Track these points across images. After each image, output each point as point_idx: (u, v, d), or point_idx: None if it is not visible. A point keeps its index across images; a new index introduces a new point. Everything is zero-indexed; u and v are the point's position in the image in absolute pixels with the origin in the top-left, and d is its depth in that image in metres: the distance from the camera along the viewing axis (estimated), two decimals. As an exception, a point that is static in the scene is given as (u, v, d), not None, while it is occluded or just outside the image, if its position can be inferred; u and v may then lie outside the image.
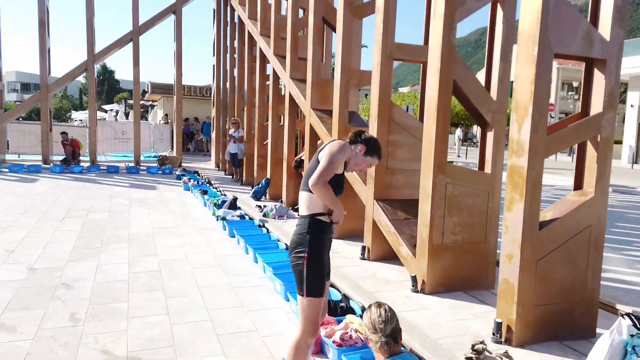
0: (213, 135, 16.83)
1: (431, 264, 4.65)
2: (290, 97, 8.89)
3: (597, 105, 3.84)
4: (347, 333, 3.27)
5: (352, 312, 3.93)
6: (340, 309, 3.88)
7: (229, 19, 14.64)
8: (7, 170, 13.17)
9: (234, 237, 6.47)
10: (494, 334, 3.68)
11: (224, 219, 7.22)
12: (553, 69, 40.05)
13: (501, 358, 3.29)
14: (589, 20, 3.84)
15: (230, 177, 13.24)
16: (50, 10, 15.24)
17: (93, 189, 10.69)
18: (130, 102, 24.64)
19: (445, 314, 4.15)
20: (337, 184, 2.71)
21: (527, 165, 3.53)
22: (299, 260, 2.62)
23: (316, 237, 2.63)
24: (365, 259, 5.72)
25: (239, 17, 13.18)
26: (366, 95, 37.30)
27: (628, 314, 3.23)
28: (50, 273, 4.86)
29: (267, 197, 9.70)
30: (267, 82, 10.92)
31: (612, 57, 3.73)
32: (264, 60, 11.05)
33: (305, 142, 8.04)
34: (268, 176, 9.83)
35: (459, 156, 27.12)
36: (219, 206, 8.17)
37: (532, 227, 3.60)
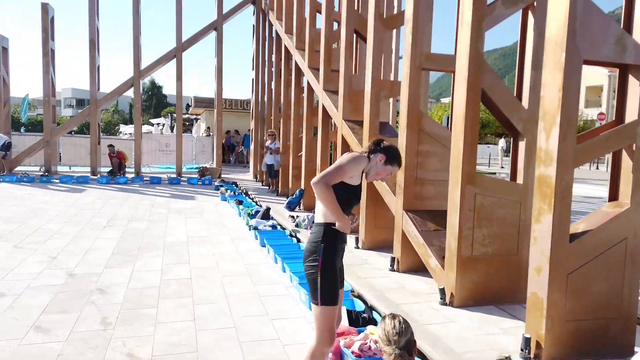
0: (252, 147, 17.16)
1: (460, 276, 4.55)
2: (324, 108, 8.97)
3: (632, 112, 3.68)
4: (366, 344, 3.25)
5: (374, 323, 3.89)
6: (362, 319, 3.85)
7: (267, 34, 14.98)
8: (58, 181, 13.87)
9: (265, 246, 6.55)
10: (522, 350, 3.55)
11: (256, 228, 7.34)
12: (604, 76, 38.66)
13: (527, 374, 3.18)
14: (622, 26, 3.70)
15: (267, 187, 13.43)
16: (100, 30, 16.06)
17: (136, 199, 11.09)
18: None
19: (473, 327, 4.04)
20: (353, 195, 2.72)
21: (556, 175, 3.42)
22: (312, 269, 2.64)
23: (330, 245, 2.64)
24: (394, 271, 5.66)
25: (277, 32, 13.46)
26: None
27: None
28: (88, 278, 5.08)
29: (301, 208, 9.77)
30: (302, 95, 11.06)
31: (647, 62, 3.58)
32: (299, 73, 11.22)
33: (337, 153, 8.07)
34: (302, 187, 9.92)
35: (502, 167, 26.39)
36: (252, 216, 8.30)
37: (562, 240, 3.47)
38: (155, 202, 10.72)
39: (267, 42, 14.97)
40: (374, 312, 4.14)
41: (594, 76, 38.22)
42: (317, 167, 9.08)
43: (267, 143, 12.46)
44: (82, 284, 4.91)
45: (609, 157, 20.15)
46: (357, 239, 6.79)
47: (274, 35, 14.03)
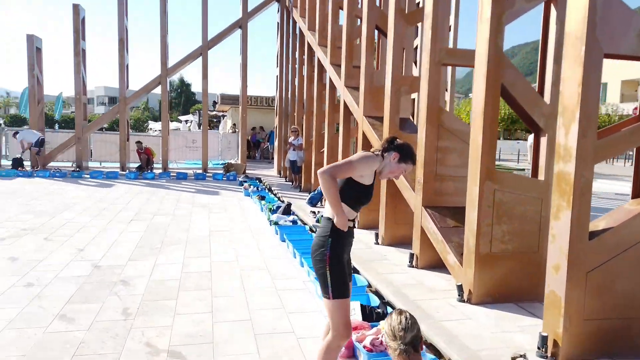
0: (276, 143, 17.29)
1: (478, 273, 4.51)
2: (345, 105, 8.97)
3: (656, 106, 3.57)
4: (377, 338, 3.26)
5: (389, 318, 3.89)
6: (376, 314, 3.86)
7: (291, 31, 15.05)
8: (88, 176, 14.29)
9: (285, 241, 6.61)
10: (539, 348, 3.50)
11: (276, 223, 7.42)
12: (641, 71, 37.26)
13: (541, 373, 3.14)
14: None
15: (290, 183, 13.52)
16: (129, 29, 16.42)
17: (162, 194, 11.34)
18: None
19: (490, 325, 4.00)
20: (363, 195, 2.73)
21: (575, 171, 3.35)
22: (321, 263, 2.66)
23: (338, 240, 2.66)
24: (413, 267, 5.63)
25: (300, 29, 13.51)
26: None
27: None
28: (112, 270, 5.24)
29: (322, 204, 9.80)
30: (324, 91, 11.08)
31: (672, 55, 3.46)
32: (322, 69, 11.24)
33: (358, 150, 8.07)
34: (324, 183, 9.93)
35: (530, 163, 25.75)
36: (273, 211, 8.39)
37: (581, 237, 3.40)
38: (181, 197, 10.93)
39: (291, 39, 15.05)
40: (388, 307, 4.14)
41: (630, 70, 36.87)
42: (338, 164, 9.08)
43: (290, 139, 12.54)
44: (106, 275, 5.07)
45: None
46: (376, 235, 6.78)
47: (297, 32, 14.10)
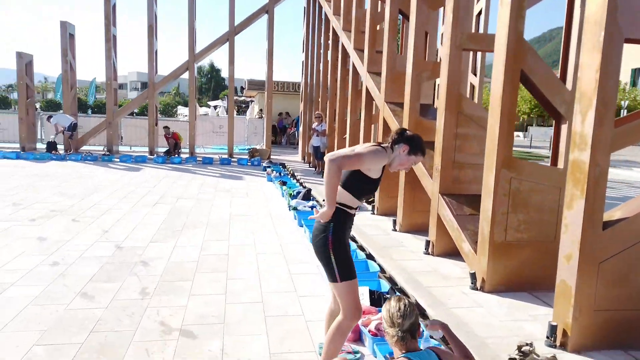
0: (300, 128, 17.33)
1: (492, 261, 4.47)
2: (367, 90, 8.91)
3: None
4: (382, 323, 3.29)
5: (398, 304, 3.91)
6: (384, 300, 3.89)
7: (317, 15, 14.98)
8: (118, 160, 14.70)
9: (302, 226, 6.68)
10: (547, 337, 3.48)
11: (295, 209, 7.49)
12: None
13: (547, 362, 3.12)
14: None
15: (314, 169, 13.58)
16: (158, 15, 16.63)
17: (187, 178, 11.57)
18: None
19: (501, 313, 3.99)
20: (368, 187, 2.74)
21: (590, 160, 3.27)
22: (323, 248, 2.70)
23: (340, 224, 2.69)
24: (429, 254, 5.62)
25: (325, 14, 13.43)
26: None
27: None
28: (133, 251, 5.43)
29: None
30: (348, 77, 11.03)
31: (697, 39, 3.32)
32: (346, 54, 11.17)
33: (378, 136, 8.03)
34: (346, 169, 9.94)
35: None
36: (294, 197, 8.46)
37: (594, 227, 3.34)
38: (205, 181, 11.14)
39: (316, 24, 14.98)
40: (397, 294, 4.16)
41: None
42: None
43: (314, 125, 12.56)
44: (128, 256, 5.25)
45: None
46: (394, 222, 6.78)
47: (323, 17, 14.01)
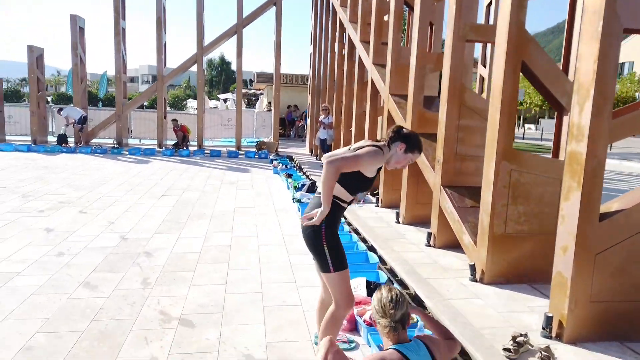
0: (308, 121, 17.34)
1: (491, 253, 4.48)
2: (372, 83, 8.89)
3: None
4: (373, 313, 3.32)
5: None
6: (381, 291, 3.91)
7: (324, 8, 14.93)
8: (127, 152, 14.85)
9: (306, 218, 6.71)
10: (543, 328, 3.49)
11: (299, 201, 7.53)
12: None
13: (541, 352, 3.13)
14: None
15: (321, 162, 13.59)
16: (167, 9, 16.70)
17: (194, 170, 11.67)
18: (243, 91, 26.14)
19: (498, 305, 4.00)
20: (363, 184, 2.75)
21: (587, 151, 3.26)
22: (316, 239, 2.73)
23: (332, 217, 2.72)
24: (430, 246, 5.64)
25: (333, 5, 13.38)
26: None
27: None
28: (138, 242, 5.51)
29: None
30: (354, 69, 11.00)
31: (697, 29, 3.27)
32: (352, 47, 11.14)
33: (383, 128, 8.02)
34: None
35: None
36: (298, 189, 8.50)
37: (591, 218, 3.33)
38: (212, 174, 11.22)
39: (324, 16, 14.93)
40: (394, 284, 4.18)
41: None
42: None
43: (321, 117, 12.57)
44: (132, 247, 5.33)
45: None
46: (397, 214, 6.79)
47: (330, 8, 13.96)
